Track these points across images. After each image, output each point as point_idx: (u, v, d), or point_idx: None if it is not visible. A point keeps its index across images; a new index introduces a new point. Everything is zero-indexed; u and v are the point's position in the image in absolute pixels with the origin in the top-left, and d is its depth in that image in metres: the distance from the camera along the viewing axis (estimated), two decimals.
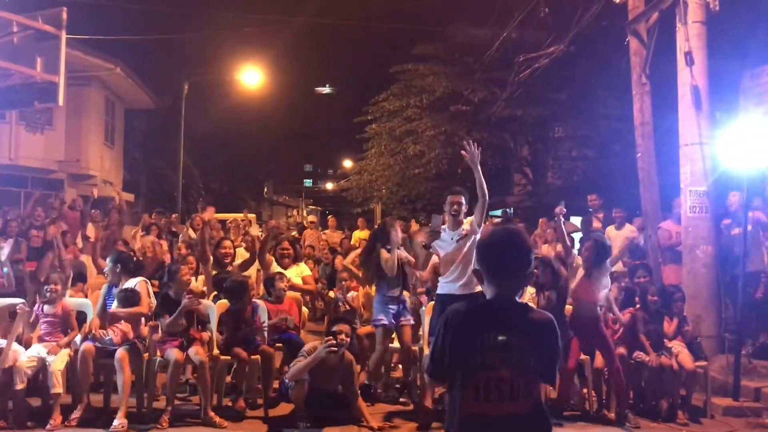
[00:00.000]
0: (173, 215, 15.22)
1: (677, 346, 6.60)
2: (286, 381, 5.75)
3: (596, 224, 10.13)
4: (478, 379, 2.39)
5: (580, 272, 6.48)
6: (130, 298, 6.24)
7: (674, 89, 8.48)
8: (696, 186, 8.18)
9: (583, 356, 6.41)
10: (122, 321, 6.10)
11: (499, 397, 2.38)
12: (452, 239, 6.02)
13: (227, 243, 7.86)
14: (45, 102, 10.56)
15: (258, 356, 6.26)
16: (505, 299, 2.48)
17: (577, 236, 11.13)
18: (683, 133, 8.32)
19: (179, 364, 5.90)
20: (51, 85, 9.94)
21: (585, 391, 6.66)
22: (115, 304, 6.25)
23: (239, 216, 13.84)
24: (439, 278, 6.19)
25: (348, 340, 5.82)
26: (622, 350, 6.46)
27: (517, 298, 2.52)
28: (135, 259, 7.66)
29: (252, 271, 7.85)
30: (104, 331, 6.02)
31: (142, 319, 6.37)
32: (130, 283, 6.38)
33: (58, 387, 5.67)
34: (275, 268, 7.68)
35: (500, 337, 2.39)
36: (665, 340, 6.59)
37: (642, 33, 9.43)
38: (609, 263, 6.61)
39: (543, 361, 2.44)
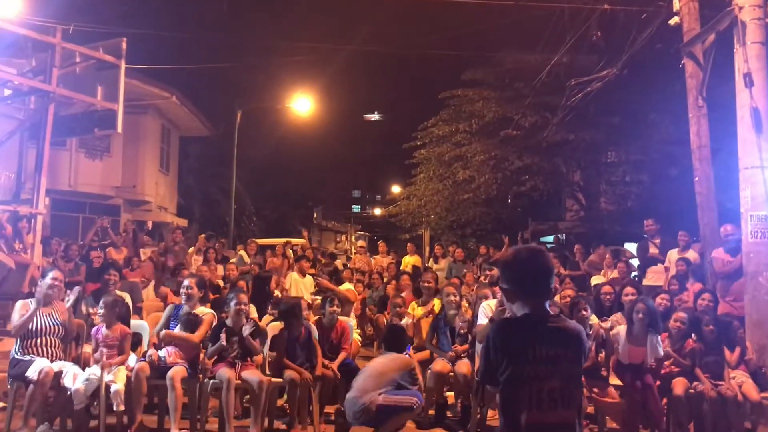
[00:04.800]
0: (223, 240, 15.45)
1: (741, 376, 6.36)
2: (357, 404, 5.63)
3: (653, 250, 9.90)
4: (532, 389, 2.53)
5: (622, 332, 6.36)
6: (192, 322, 6.31)
7: (732, 112, 8.26)
8: (757, 210, 7.90)
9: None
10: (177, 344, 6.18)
11: (552, 406, 2.52)
12: None
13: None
14: (104, 129, 10.95)
15: (310, 379, 6.25)
16: (543, 313, 2.64)
17: (635, 262, 10.95)
18: (743, 156, 8.08)
19: (232, 383, 5.92)
20: (110, 113, 10.29)
21: None
22: (178, 326, 6.33)
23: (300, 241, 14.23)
24: None
25: None
26: (682, 381, 6.25)
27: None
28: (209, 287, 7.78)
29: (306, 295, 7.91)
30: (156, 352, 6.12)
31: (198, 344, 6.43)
32: (200, 310, 6.47)
33: (120, 406, 5.78)
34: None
35: (549, 350, 2.55)
36: (728, 370, 6.35)
37: (698, 55, 9.25)
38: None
39: (581, 371, 2.68)
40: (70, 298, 6.12)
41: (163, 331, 6.27)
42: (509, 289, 2.69)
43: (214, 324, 6.52)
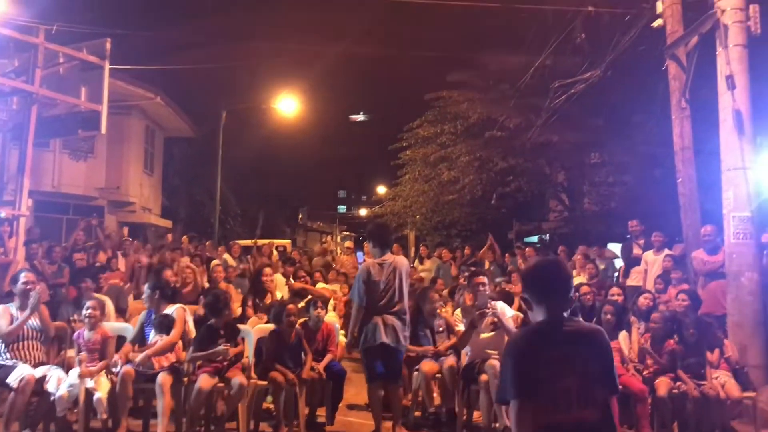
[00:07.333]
0: (207, 242, 15.33)
1: (723, 375, 6.43)
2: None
3: (636, 251, 9.96)
4: (547, 391, 2.54)
5: None
6: (165, 324, 6.27)
7: (715, 114, 8.33)
8: (739, 212, 7.98)
9: None
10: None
11: (567, 406, 2.53)
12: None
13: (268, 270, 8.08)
14: (88, 130, 10.85)
15: (294, 381, 6.24)
16: (557, 318, 2.68)
17: (618, 263, 11.03)
18: (725, 158, 8.15)
19: (203, 391, 5.91)
20: (94, 114, 10.20)
21: None
22: (152, 331, 6.29)
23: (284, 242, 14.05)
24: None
25: None
26: (666, 382, 6.30)
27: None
28: (173, 286, 7.71)
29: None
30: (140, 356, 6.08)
31: (180, 343, 6.39)
32: (169, 309, 6.41)
33: (104, 414, 5.77)
34: None
35: (559, 351, 2.59)
36: (711, 370, 6.41)
37: (681, 57, 9.33)
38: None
39: (601, 370, 2.63)
40: (32, 300, 5.97)
41: (141, 356, 6.12)
42: (528, 298, 2.77)
43: (188, 320, 6.49)
